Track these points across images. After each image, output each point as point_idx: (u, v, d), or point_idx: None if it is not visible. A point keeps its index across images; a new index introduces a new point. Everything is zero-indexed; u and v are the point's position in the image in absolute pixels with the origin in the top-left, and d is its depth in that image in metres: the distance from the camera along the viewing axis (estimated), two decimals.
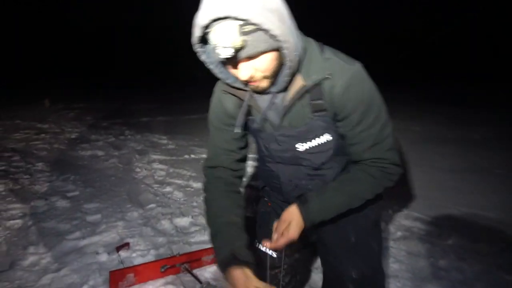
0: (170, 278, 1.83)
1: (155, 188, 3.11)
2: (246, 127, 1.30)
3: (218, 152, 1.32)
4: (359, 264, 1.35)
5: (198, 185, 3.20)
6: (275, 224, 1.26)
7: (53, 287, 1.77)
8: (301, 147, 1.22)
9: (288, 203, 1.40)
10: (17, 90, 10.61)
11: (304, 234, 1.24)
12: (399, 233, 2.32)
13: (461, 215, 2.58)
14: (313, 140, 1.21)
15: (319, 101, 1.15)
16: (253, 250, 1.60)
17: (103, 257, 2.01)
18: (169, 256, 1.89)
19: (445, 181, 3.20)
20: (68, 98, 8.87)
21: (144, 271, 1.76)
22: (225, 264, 1.13)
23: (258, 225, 1.60)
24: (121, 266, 1.84)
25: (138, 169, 3.62)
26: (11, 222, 2.48)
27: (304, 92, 1.13)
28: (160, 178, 3.38)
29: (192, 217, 2.53)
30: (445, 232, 2.32)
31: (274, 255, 1.51)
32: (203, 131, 5.34)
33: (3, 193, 2.99)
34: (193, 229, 2.38)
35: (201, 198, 2.90)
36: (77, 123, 6.03)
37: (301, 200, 1.23)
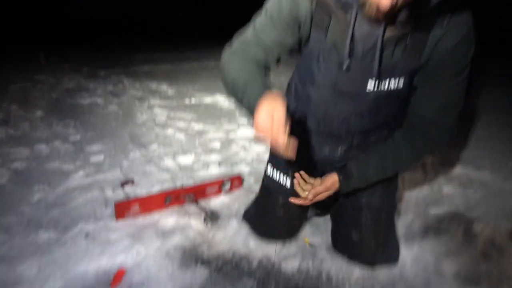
0: (175, 209, 1.84)
1: (157, 131, 3.09)
2: (306, 40, 1.14)
3: (257, 43, 1.13)
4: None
5: (199, 127, 3.18)
6: (312, 181, 1.27)
7: (61, 220, 1.79)
8: (371, 84, 1.11)
9: (321, 135, 1.34)
10: (10, 46, 10.31)
11: None
12: None
13: (466, 146, 2.56)
14: (388, 81, 1.10)
15: (419, 44, 1.03)
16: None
17: (109, 193, 2.02)
18: (173, 188, 1.89)
19: None
20: (63, 51, 8.62)
21: (148, 203, 1.78)
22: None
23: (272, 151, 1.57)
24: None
25: (138, 114, 3.58)
26: (16, 164, 2.48)
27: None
28: (161, 122, 3.34)
29: (195, 155, 2.53)
30: (450, 162, 2.31)
31: (288, 183, 1.50)
32: (205, 78, 5.24)
33: (5, 139, 2.98)
34: (196, 166, 2.38)
35: (203, 139, 2.89)
36: (74, 74, 5.89)
37: (344, 174, 1.24)
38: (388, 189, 1.40)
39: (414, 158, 1.22)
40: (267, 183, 1.55)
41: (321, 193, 1.23)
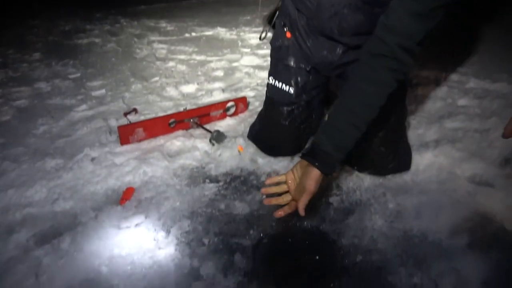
0: (180, 133, 1.81)
1: (158, 64, 2.98)
2: None
3: None
4: None
5: (201, 58, 3.06)
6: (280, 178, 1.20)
7: (67, 148, 1.78)
8: None
9: (314, 34, 1.25)
10: None
11: None
12: (413, 81, 2.21)
13: (481, 61, 2.42)
14: None
15: None
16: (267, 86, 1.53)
17: (112, 122, 1.98)
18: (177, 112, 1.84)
19: None
20: None
21: (152, 126, 1.74)
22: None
23: (273, 61, 1.50)
24: None
25: (138, 50, 3.45)
26: (18, 102, 2.44)
27: None
28: (162, 56, 3.23)
29: (198, 84, 2.45)
30: (464, 77, 2.20)
31: (292, 91, 1.43)
32: (205, 13, 4.99)
33: (5, 80, 2.92)
34: (199, 93, 2.31)
35: (205, 68, 2.78)
36: (70, 17, 5.66)
37: (318, 158, 1.09)
38: (395, 90, 1.31)
39: (382, 94, 1.07)
40: (270, 93, 1.49)
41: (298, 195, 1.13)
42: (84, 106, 2.26)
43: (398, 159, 1.37)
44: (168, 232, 1.19)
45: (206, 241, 1.15)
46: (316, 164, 1.07)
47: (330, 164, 1.09)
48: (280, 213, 1.15)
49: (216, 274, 1.03)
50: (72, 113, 2.17)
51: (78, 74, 2.92)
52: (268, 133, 1.52)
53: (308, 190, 1.08)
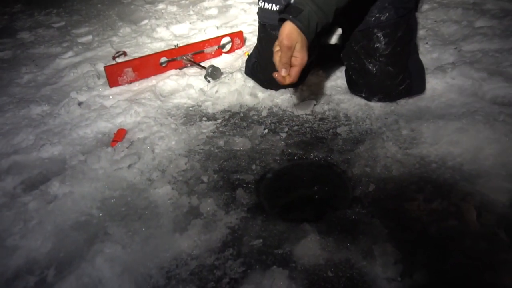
0: (172, 71, 1.67)
1: (147, 7, 2.78)
2: None
3: None
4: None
5: None
6: (276, 50, 1.01)
7: (53, 95, 1.66)
8: None
9: None
10: None
11: None
12: (426, 6, 2.01)
13: None
14: None
15: None
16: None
17: (100, 67, 1.84)
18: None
19: None
20: None
21: (142, 66, 1.60)
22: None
23: None
24: None
25: None
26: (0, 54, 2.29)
27: None
28: None
29: (190, 23, 2.27)
30: None
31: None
32: None
33: None
34: (192, 32, 2.14)
35: (198, 8, 2.58)
36: None
37: (291, 12, 0.94)
38: (401, 2, 1.15)
39: None
40: (261, 18, 1.33)
41: (288, 58, 0.98)
42: (70, 53, 2.12)
43: (410, 79, 1.23)
44: (163, 171, 1.10)
45: (205, 178, 1.06)
46: (290, 17, 0.95)
47: (305, 17, 0.95)
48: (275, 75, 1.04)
49: (217, 211, 0.95)
50: (57, 60, 2.02)
51: (63, 23, 2.74)
52: (265, 64, 1.38)
53: (281, 44, 0.96)
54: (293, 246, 0.83)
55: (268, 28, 1.31)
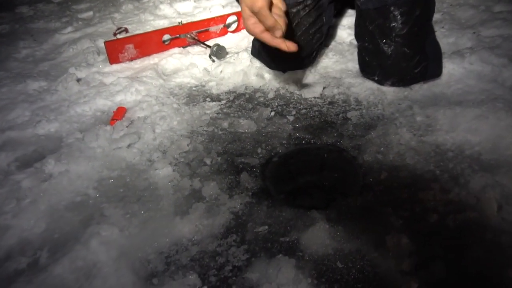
0: (176, 49, 1.60)
1: None
2: None
3: None
4: None
5: None
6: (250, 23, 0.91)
7: (51, 71, 1.60)
8: None
9: None
10: None
11: None
12: None
13: None
14: None
15: None
16: None
17: (100, 43, 1.76)
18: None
19: None
20: None
21: (144, 42, 1.53)
22: None
23: None
24: None
25: None
26: None
27: None
28: None
29: (195, 1, 2.18)
30: None
31: None
32: None
33: None
34: (196, 11, 2.06)
35: None
36: None
37: None
38: None
39: None
40: None
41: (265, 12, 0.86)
42: (69, 29, 2.04)
43: (426, 62, 1.17)
44: (164, 152, 1.05)
45: (208, 161, 1.01)
46: None
47: None
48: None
49: (220, 195, 0.90)
50: (56, 35, 1.96)
51: None
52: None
53: (254, 10, 0.86)
54: (300, 234, 0.78)
55: None
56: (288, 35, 0.92)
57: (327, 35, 1.38)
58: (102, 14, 2.20)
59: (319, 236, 0.77)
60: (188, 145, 1.07)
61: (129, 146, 1.06)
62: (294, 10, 1.22)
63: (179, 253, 0.77)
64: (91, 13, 2.27)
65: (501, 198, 0.80)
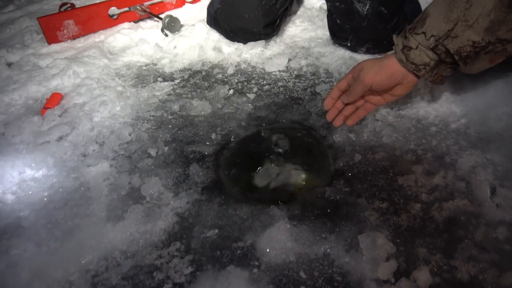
0: (125, 25, 1.41)
1: None
2: None
3: None
4: None
5: None
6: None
7: None
8: None
9: None
10: None
11: None
12: None
13: None
14: None
15: None
16: None
17: None
18: None
19: None
20: None
21: (87, 17, 1.34)
22: None
23: None
24: None
25: None
26: None
27: None
28: None
29: None
30: None
31: None
32: None
33: None
34: None
35: None
36: None
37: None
38: None
39: None
40: None
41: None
42: (11, 7, 1.82)
43: (404, 24, 1.01)
44: (101, 144, 0.89)
45: (152, 152, 0.85)
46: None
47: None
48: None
49: (163, 193, 0.75)
50: None
51: None
52: (230, 9, 1.14)
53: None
54: (256, 238, 0.64)
55: None
56: None
57: None
58: None
59: (278, 239, 0.63)
60: (130, 134, 0.91)
61: (60, 139, 0.90)
62: None
63: (109, 270, 0.63)
64: None
65: (494, 180, 0.67)
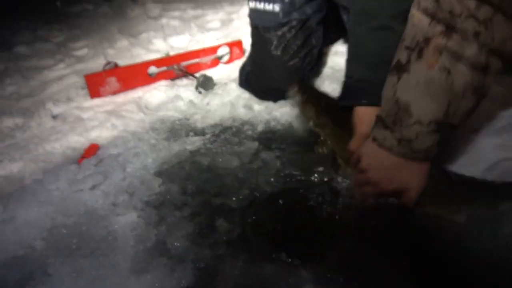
0: (162, 82, 1.50)
1: (148, 22, 2.67)
2: None
3: None
4: None
5: (196, 12, 2.72)
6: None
7: (32, 108, 1.49)
8: None
9: None
10: None
11: None
12: None
13: None
14: None
15: None
16: None
17: None
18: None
19: None
20: None
21: (128, 75, 1.44)
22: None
23: None
24: None
25: (129, 11, 3.13)
26: None
27: None
28: (154, 14, 2.89)
29: (190, 35, 2.12)
30: None
31: (277, 9, 1.10)
32: None
33: None
34: (190, 44, 1.99)
35: (200, 21, 2.45)
36: None
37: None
38: None
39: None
40: (254, 21, 1.17)
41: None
42: (61, 65, 1.99)
43: None
44: (132, 194, 0.91)
45: (180, 204, 0.86)
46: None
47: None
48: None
49: (189, 247, 0.74)
50: (45, 72, 1.89)
51: (62, 38, 2.63)
52: (260, 71, 1.20)
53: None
54: None
55: (262, 32, 1.14)
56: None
57: (321, 60, 1.27)
58: (95, 51, 2.15)
59: None
60: (159, 185, 0.93)
61: (93, 187, 0.93)
62: (279, 33, 1.11)
63: None
64: (85, 50, 2.23)
65: None
